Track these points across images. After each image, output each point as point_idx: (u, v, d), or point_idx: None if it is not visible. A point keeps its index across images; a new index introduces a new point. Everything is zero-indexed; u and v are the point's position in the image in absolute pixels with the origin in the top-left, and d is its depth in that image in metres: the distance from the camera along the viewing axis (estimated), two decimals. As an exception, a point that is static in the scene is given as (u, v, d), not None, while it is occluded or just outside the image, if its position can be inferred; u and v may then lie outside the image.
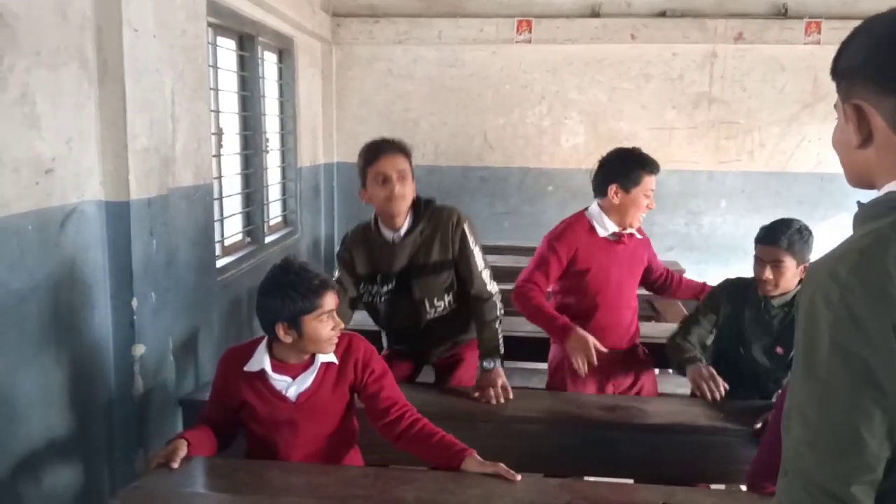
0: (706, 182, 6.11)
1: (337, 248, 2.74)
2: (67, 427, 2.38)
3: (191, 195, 3.19)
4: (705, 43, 5.82)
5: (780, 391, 2.48)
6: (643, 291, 3.14)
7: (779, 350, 2.47)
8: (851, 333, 0.86)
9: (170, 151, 2.86)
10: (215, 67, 3.85)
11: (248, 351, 2.06)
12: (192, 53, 3.19)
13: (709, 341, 2.66)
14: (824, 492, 0.88)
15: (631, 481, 2.37)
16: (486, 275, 2.61)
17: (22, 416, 2.16)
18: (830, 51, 1.04)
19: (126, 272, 2.55)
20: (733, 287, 2.63)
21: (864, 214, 0.96)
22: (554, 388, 2.80)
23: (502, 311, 2.66)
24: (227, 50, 4.18)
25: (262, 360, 2.01)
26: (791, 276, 2.41)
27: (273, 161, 5.05)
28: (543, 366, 2.92)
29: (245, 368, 2.03)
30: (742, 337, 2.54)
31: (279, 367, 2.03)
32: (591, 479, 2.37)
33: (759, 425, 2.30)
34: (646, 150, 2.69)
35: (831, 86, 1.03)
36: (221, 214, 3.98)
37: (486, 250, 2.73)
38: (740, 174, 6.07)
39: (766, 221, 2.51)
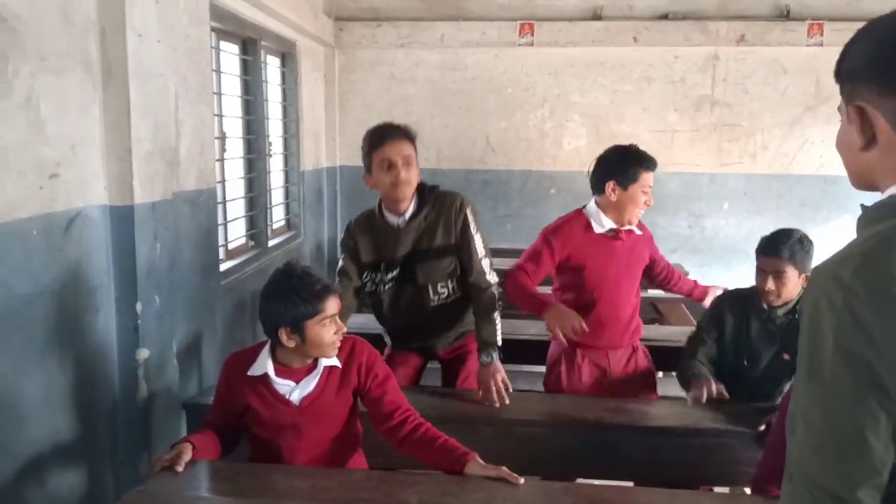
0: (708, 184, 6.11)
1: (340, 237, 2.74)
2: (72, 430, 2.39)
3: (194, 199, 3.19)
4: (707, 45, 5.82)
5: (784, 393, 2.48)
6: (645, 294, 3.14)
7: (785, 356, 2.47)
8: (855, 336, 0.86)
9: (173, 155, 2.86)
10: (218, 71, 3.86)
11: (252, 355, 2.06)
12: (196, 57, 3.20)
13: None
14: (830, 496, 0.88)
15: (631, 484, 2.37)
16: (485, 263, 2.61)
17: (27, 419, 2.17)
18: (833, 53, 1.04)
19: (130, 276, 2.56)
20: (733, 299, 2.62)
21: (868, 217, 0.96)
22: (550, 385, 2.81)
23: (501, 304, 2.66)
24: (230, 54, 4.19)
25: (265, 365, 2.02)
26: (793, 286, 2.42)
27: (276, 165, 5.06)
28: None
29: (248, 373, 2.03)
30: (748, 349, 2.54)
31: (282, 371, 2.03)
32: (594, 481, 2.37)
33: (762, 428, 2.30)
34: (648, 152, 2.68)
35: (834, 88, 1.03)
36: (225, 218, 3.99)
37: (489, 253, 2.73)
38: (742, 176, 6.07)
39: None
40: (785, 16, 5.71)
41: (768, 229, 2.59)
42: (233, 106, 4.26)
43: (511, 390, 2.54)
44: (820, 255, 1.09)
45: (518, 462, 1.98)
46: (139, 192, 2.55)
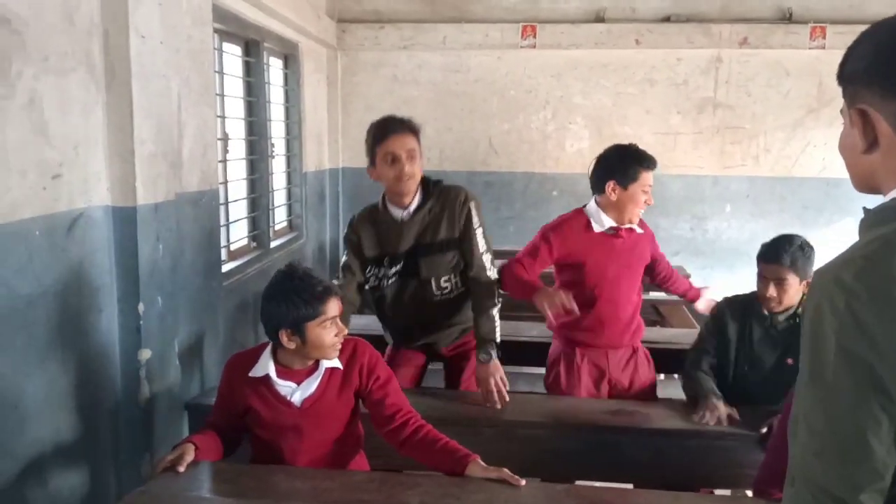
0: (711, 187, 6.11)
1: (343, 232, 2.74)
2: (74, 431, 2.39)
3: (197, 200, 3.20)
4: (710, 48, 5.82)
5: (787, 395, 2.47)
6: (647, 296, 3.14)
7: (789, 361, 2.46)
8: (857, 339, 0.86)
9: (176, 157, 2.87)
10: (221, 73, 3.86)
11: (253, 356, 2.06)
12: (198, 59, 3.21)
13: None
14: (832, 499, 0.88)
15: (630, 486, 2.37)
16: (486, 259, 2.61)
17: (29, 420, 2.17)
18: (835, 55, 1.04)
19: (133, 277, 2.56)
20: (734, 306, 2.61)
21: (871, 220, 0.96)
22: (549, 384, 2.81)
23: (500, 300, 2.66)
24: (233, 56, 4.20)
25: (266, 366, 2.02)
26: (794, 292, 2.42)
27: (278, 166, 5.06)
28: (547, 369, 2.92)
29: (250, 374, 2.03)
30: (751, 355, 2.54)
31: (284, 372, 2.03)
32: (595, 483, 2.37)
33: (764, 430, 2.30)
34: (648, 151, 2.68)
35: (836, 90, 1.03)
36: (227, 219, 3.99)
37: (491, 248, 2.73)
38: (745, 179, 6.06)
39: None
40: (787, 18, 5.71)
41: (771, 232, 2.58)
42: (235, 107, 4.26)
43: (507, 388, 2.54)
44: (822, 258, 1.09)
45: (519, 464, 1.98)
46: (142, 193, 2.55)
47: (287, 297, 1.93)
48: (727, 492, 2.51)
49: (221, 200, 3.75)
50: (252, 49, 4.39)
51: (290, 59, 5.19)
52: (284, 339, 1.95)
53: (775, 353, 2.50)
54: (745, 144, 6.02)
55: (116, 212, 2.52)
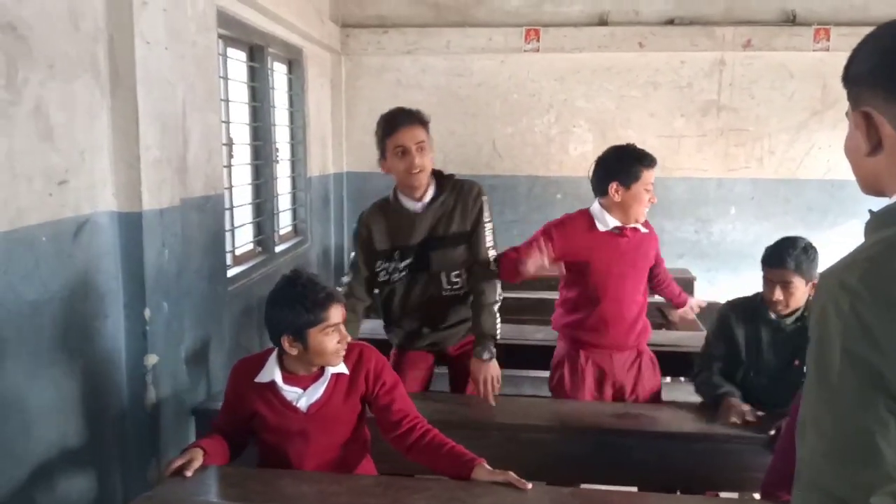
0: (715, 189, 6.10)
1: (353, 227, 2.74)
2: (80, 436, 2.40)
3: (202, 205, 3.21)
4: (713, 50, 5.81)
5: (794, 398, 2.47)
6: (652, 299, 3.14)
7: (796, 363, 2.46)
8: (862, 341, 0.86)
9: (181, 162, 2.88)
10: (226, 78, 3.88)
11: (260, 362, 2.06)
12: (203, 64, 3.22)
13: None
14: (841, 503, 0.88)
15: (635, 489, 2.37)
16: (492, 254, 2.63)
17: (36, 425, 2.18)
18: (839, 57, 1.04)
19: (138, 282, 2.57)
20: (740, 309, 2.60)
21: (875, 222, 0.96)
22: (553, 386, 2.81)
23: (501, 296, 2.66)
24: (238, 61, 4.21)
25: (272, 372, 2.02)
26: (801, 294, 2.41)
27: (283, 171, 5.07)
28: (553, 373, 2.92)
29: (256, 379, 2.03)
30: (759, 358, 2.53)
31: (290, 378, 2.03)
32: (602, 487, 2.36)
33: (772, 432, 2.29)
34: (655, 157, 2.69)
35: (841, 93, 1.03)
36: (232, 224, 4.00)
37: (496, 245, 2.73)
38: (749, 181, 6.05)
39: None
40: (791, 21, 5.71)
41: (775, 234, 2.58)
42: (240, 112, 4.27)
43: (499, 390, 2.56)
44: (827, 260, 1.09)
45: (525, 467, 1.98)
46: (147, 198, 2.56)
47: (289, 304, 1.93)
48: (734, 495, 2.50)
49: (226, 205, 3.76)
50: (256, 54, 4.40)
51: (295, 63, 5.21)
52: (286, 345, 1.95)
53: (783, 356, 2.49)
54: (749, 147, 6.01)
55: (122, 217, 2.53)
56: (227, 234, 3.81)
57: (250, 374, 2.05)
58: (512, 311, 3.62)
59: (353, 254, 2.72)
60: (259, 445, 2.12)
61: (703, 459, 2.39)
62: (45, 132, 2.17)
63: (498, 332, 2.60)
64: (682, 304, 3.30)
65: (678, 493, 2.38)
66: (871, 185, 1.01)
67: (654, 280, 3.06)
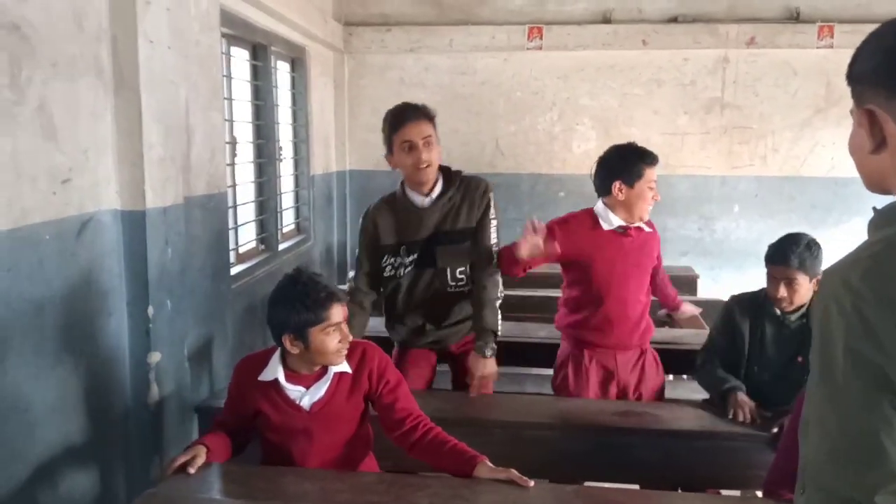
0: (719, 187, 6.09)
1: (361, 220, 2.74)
2: (84, 434, 2.40)
3: (205, 204, 3.21)
4: (717, 48, 5.80)
5: (798, 396, 2.46)
6: (655, 297, 3.13)
7: (800, 360, 2.46)
8: (865, 340, 0.86)
9: (185, 160, 2.88)
10: (229, 77, 3.88)
11: (263, 360, 2.07)
12: (207, 63, 3.22)
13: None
14: (847, 503, 0.87)
15: (637, 487, 2.37)
16: (495, 251, 2.63)
17: (39, 423, 2.19)
18: (843, 55, 1.04)
19: (142, 280, 2.57)
20: (742, 304, 2.60)
21: (879, 220, 0.96)
22: (557, 385, 2.80)
23: (503, 293, 2.67)
24: (241, 60, 4.22)
25: (275, 371, 2.02)
26: (805, 291, 2.41)
27: (286, 169, 5.08)
28: (556, 372, 2.92)
29: (259, 378, 2.03)
30: (762, 354, 2.53)
31: (293, 377, 2.03)
32: (605, 484, 2.36)
33: (775, 430, 2.29)
34: (658, 155, 2.69)
35: (844, 90, 1.03)
36: (235, 222, 4.01)
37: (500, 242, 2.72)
38: (753, 179, 6.04)
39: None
40: (795, 18, 5.69)
41: (779, 232, 2.57)
42: (243, 111, 4.28)
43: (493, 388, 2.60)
44: (831, 258, 1.09)
45: (528, 465, 1.98)
46: (151, 196, 2.56)
47: (290, 303, 1.92)
48: (737, 493, 2.50)
49: (230, 204, 3.77)
50: (259, 53, 4.41)
51: (298, 62, 5.21)
52: (288, 344, 1.95)
53: (786, 352, 2.49)
54: (752, 144, 6.00)
55: (125, 216, 2.54)
56: (231, 233, 3.81)
57: (254, 372, 2.05)
58: (515, 309, 3.62)
59: (357, 250, 2.72)
60: (262, 443, 2.12)
61: (706, 457, 2.39)
62: (48, 131, 2.17)
63: (499, 328, 2.61)
64: (675, 309, 3.29)
65: (679, 490, 2.38)
66: (875, 183, 1.01)
67: (655, 280, 3.05)
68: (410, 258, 2.61)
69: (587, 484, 2.34)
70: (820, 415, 0.92)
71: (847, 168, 1.16)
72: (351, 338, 2.02)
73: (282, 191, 4.85)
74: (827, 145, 5.88)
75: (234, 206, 3.96)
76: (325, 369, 2.03)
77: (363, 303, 2.70)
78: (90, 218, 2.39)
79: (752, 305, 2.57)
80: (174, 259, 2.73)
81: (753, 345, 2.55)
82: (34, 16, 2.10)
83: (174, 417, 2.76)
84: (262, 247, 4.52)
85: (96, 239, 2.43)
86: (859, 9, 5.56)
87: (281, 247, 4.73)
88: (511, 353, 3.22)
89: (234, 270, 3.82)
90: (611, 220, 2.66)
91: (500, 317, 2.62)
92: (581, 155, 6.06)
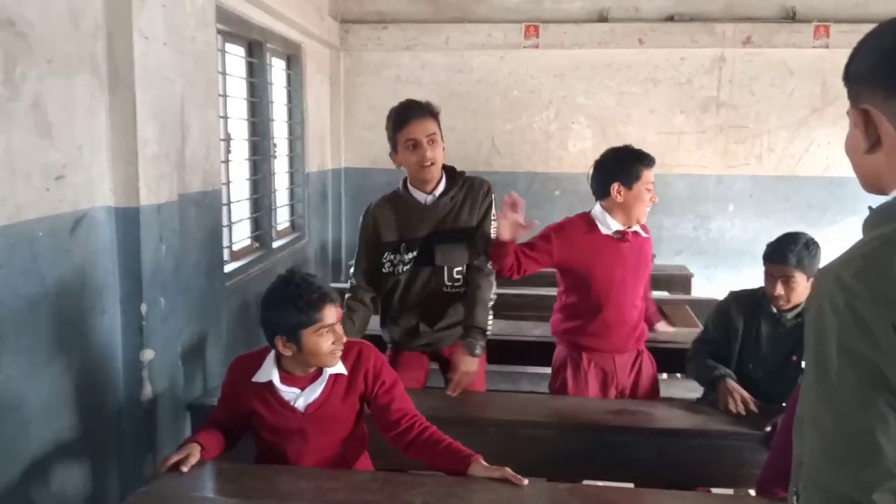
0: (715, 186, 6.10)
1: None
2: (77, 431, 2.40)
3: (200, 201, 3.20)
4: (713, 47, 5.81)
5: (791, 394, 2.47)
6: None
7: (795, 359, 2.47)
8: (859, 338, 0.86)
9: (179, 158, 2.87)
10: (224, 74, 3.87)
11: (257, 360, 2.05)
12: (202, 60, 3.21)
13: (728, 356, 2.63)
14: (848, 503, 0.87)
15: (632, 485, 2.37)
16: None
17: (32, 420, 2.18)
18: (839, 54, 1.04)
19: (135, 277, 2.57)
20: (740, 300, 2.61)
21: (873, 219, 0.97)
22: (555, 388, 2.80)
23: (496, 295, 2.66)
24: (236, 56, 4.21)
25: (270, 372, 2.00)
26: (802, 290, 2.42)
27: (281, 167, 5.07)
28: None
29: (253, 379, 2.02)
30: (757, 352, 2.53)
31: (287, 378, 2.02)
32: (599, 483, 2.37)
33: (768, 429, 2.30)
34: (654, 154, 2.69)
35: (840, 90, 1.03)
36: (230, 220, 4.00)
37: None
38: (749, 178, 6.05)
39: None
40: (791, 17, 5.70)
41: (774, 231, 2.58)
42: (238, 108, 4.27)
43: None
44: (826, 258, 1.09)
45: (523, 464, 1.98)
46: (145, 193, 2.56)
47: (282, 304, 1.90)
48: (730, 491, 2.50)
49: (224, 201, 3.76)
50: (255, 50, 4.40)
51: (293, 59, 5.20)
52: (280, 346, 1.93)
53: (782, 351, 2.50)
54: (748, 144, 6.01)
55: (119, 213, 2.53)
56: (225, 230, 3.80)
57: (248, 373, 2.03)
58: (510, 308, 3.63)
59: (357, 248, 2.71)
60: (257, 442, 2.11)
61: (700, 456, 2.39)
62: (43, 128, 2.16)
63: (489, 328, 2.60)
64: (649, 324, 3.23)
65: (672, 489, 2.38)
66: (871, 183, 1.01)
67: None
68: (410, 256, 2.61)
69: (582, 482, 2.34)
70: (815, 414, 0.92)
71: (842, 168, 1.16)
72: (345, 339, 2.00)
73: (276, 188, 4.84)
74: (822, 145, 5.90)
75: (229, 204, 3.95)
76: (320, 370, 2.02)
77: (364, 299, 2.69)
78: (84, 215, 2.38)
79: (749, 303, 2.58)
80: (168, 256, 2.72)
81: (748, 342, 2.56)
82: (29, 12, 2.09)
83: (167, 415, 2.75)
84: (257, 244, 4.51)
85: (90, 236, 2.42)
86: (856, 9, 5.57)
87: (275, 244, 4.72)
88: (506, 352, 3.23)
89: (228, 268, 3.81)
90: (609, 225, 2.65)
91: (491, 317, 2.62)
92: (577, 154, 6.07)
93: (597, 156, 2.75)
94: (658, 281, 4.34)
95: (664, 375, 3.26)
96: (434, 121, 2.55)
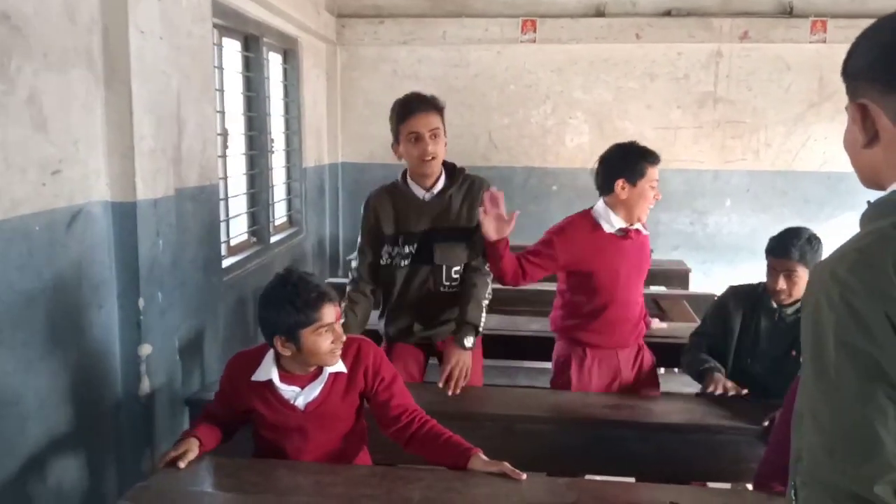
0: (711, 181, 6.10)
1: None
2: (75, 426, 2.39)
3: (197, 196, 3.20)
4: (711, 42, 5.81)
5: (789, 390, 2.48)
6: (647, 290, 3.13)
7: (794, 354, 2.47)
8: (855, 332, 0.86)
9: (176, 152, 2.87)
10: (220, 68, 3.86)
11: (257, 358, 2.03)
12: (198, 55, 3.20)
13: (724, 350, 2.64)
14: (847, 495, 0.87)
15: (633, 480, 2.37)
16: None
17: (30, 415, 2.18)
18: (836, 49, 1.04)
19: (132, 272, 2.56)
20: (739, 295, 2.61)
21: (871, 213, 0.97)
22: (558, 384, 2.80)
23: (491, 295, 2.66)
24: (233, 51, 4.19)
25: (269, 371, 1.99)
26: (804, 284, 2.41)
27: (278, 161, 5.06)
28: (549, 365, 2.92)
29: (252, 378, 2.01)
30: (756, 346, 2.54)
31: (287, 377, 2.00)
32: (598, 477, 2.37)
33: (766, 423, 2.30)
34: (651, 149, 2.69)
35: (837, 85, 1.03)
36: (227, 215, 3.99)
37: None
38: (746, 173, 6.06)
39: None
40: (788, 13, 5.70)
41: (771, 226, 2.58)
42: (235, 102, 4.26)
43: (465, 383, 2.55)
44: (825, 252, 1.09)
45: (522, 458, 1.98)
46: (141, 188, 2.55)
47: (280, 304, 1.88)
48: (727, 485, 2.51)
49: (221, 196, 3.75)
50: (252, 44, 4.38)
51: (290, 54, 5.19)
52: (279, 345, 1.92)
53: (781, 346, 2.50)
54: (745, 139, 6.01)
55: (116, 207, 2.52)
56: (222, 225, 3.80)
57: (247, 371, 2.02)
58: (506, 303, 3.63)
59: (359, 238, 2.70)
60: (256, 439, 2.11)
61: (698, 450, 2.39)
62: (38, 122, 2.15)
63: (481, 325, 2.59)
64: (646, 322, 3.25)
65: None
66: (869, 178, 1.02)
67: None
68: (408, 249, 2.60)
69: (580, 477, 2.34)
70: (813, 408, 0.92)
71: (840, 163, 1.16)
72: (344, 338, 1.98)
73: (273, 183, 4.83)
74: (819, 140, 5.90)
75: (226, 199, 3.95)
76: (320, 369, 2.01)
77: (366, 291, 2.68)
78: (80, 209, 2.37)
79: (748, 297, 2.58)
80: (165, 251, 2.72)
81: (747, 337, 2.56)
82: (25, 6, 2.08)
83: (165, 410, 2.75)
84: (254, 239, 4.50)
85: (87, 230, 2.41)
86: (853, 4, 5.56)
87: (273, 239, 4.71)
88: (502, 347, 3.22)
89: (225, 263, 3.81)
90: (612, 222, 2.64)
91: (484, 314, 2.60)
92: (574, 148, 6.07)
93: (594, 151, 2.75)
94: (655, 276, 4.35)
95: (661, 370, 3.26)
96: (438, 115, 2.54)
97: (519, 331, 3.38)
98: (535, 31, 5.86)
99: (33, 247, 2.15)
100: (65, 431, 2.35)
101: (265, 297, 1.94)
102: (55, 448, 2.30)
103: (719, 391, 2.40)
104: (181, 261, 2.93)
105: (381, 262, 2.65)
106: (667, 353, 3.00)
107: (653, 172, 2.61)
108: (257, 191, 4.49)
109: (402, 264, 2.61)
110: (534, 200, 6.10)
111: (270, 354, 2.01)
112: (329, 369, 2.00)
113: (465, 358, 2.54)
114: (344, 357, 2.02)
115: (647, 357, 2.82)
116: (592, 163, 2.74)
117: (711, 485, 2.46)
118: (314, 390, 2.00)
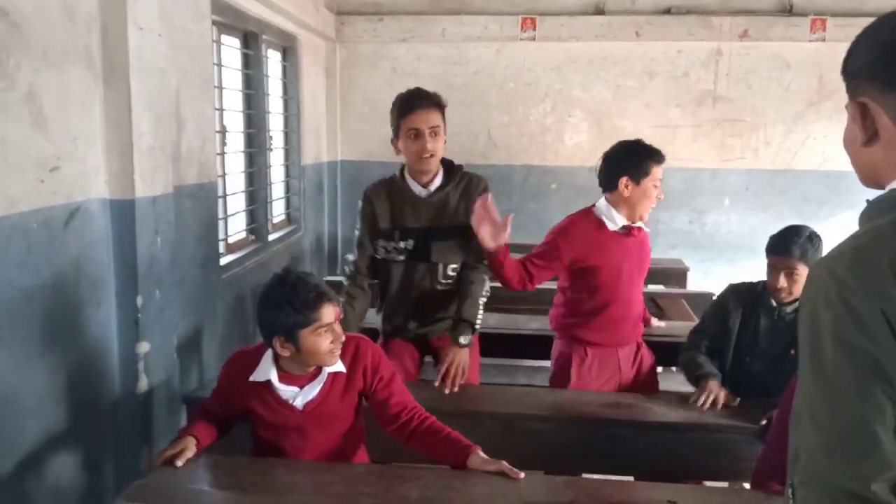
0: (710, 180, 6.10)
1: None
2: (73, 424, 2.39)
3: (195, 193, 3.20)
4: (710, 40, 5.80)
5: (787, 388, 2.48)
6: (645, 289, 3.12)
7: (793, 353, 2.47)
8: (853, 330, 0.86)
9: (174, 150, 2.86)
10: (219, 66, 3.85)
11: (255, 358, 2.02)
12: (197, 52, 3.20)
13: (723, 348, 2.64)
14: (845, 494, 0.87)
15: (631, 478, 2.38)
16: None
17: (28, 413, 2.17)
18: (836, 48, 1.04)
19: (131, 270, 2.56)
20: (740, 293, 2.61)
21: (870, 211, 0.97)
22: (557, 383, 2.80)
23: (488, 293, 2.65)
24: (232, 48, 4.19)
25: (268, 372, 1.98)
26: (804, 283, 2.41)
27: (277, 159, 5.05)
28: (547, 363, 2.92)
29: (251, 378, 2.00)
30: (755, 345, 2.54)
31: (286, 377, 2.00)
32: (596, 476, 2.37)
33: (763, 422, 2.30)
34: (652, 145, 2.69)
35: (837, 83, 1.03)
36: (225, 212, 3.99)
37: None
38: (745, 172, 6.06)
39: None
40: (788, 11, 5.69)
41: (771, 225, 2.58)
42: (234, 100, 4.25)
43: (463, 380, 2.55)
44: (824, 251, 1.09)
45: (520, 457, 1.98)
46: (140, 186, 2.55)
47: (279, 304, 1.87)
48: (725, 484, 2.51)
49: (220, 193, 3.75)
50: (251, 41, 4.38)
51: (289, 51, 5.18)
52: (278, 346, 1.91)
53: (780, 344, 2.50)
54: (744, 137, 6.01)
55: (114, 205, 2.52)
56: (221, 222, 3.79)
57: (245, 371, 2.01)
58: (505, 301, 3.62)
59: (357, 231, 2.69)
60: (254, 439, 2.10)
61: (696, 449, 2.39)
62: (37, 119, 2.15)
63: (478, 323, 2.59)
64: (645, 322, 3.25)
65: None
66: (868, 177, 1.02)
67: None
68: (404, 245, 2.60)
69: (579, 475, 2.34)
70: (811, 407, 0.92)
71: (839, 161, 1.16)
72: (344, 337, 1.97)
73: (272, 181, 4.83)
74: (819, 138, 5.90)
75: (225, 196, 3.94)
76: (319, 369, 2.00)
77: (363, 285, 2.68)
78: (79, 207, 2.37)
79: (748, 295, 2.58)
80: (163, 249, 2.71)
81: (746, 335, 2.56)
82: (24, 3, 2.08)
83: (163, 408, 2.75)
84: (253, 237, 4.50)
85: (85, 228, 2.41)
86: (852, 2, 5.56)
87: (271, 237, 4.71)
88: (501, 345, 3.22)
89: (223, 260, 3.80)
90: (615, 220, 2.63)
91: (481, 312, 2.60)
92: (573, 147, 6.06)
93: (593, 149, 2.75)
94: (654, 274, 4.33)
95: (660, 369, 3.26)
96: (439, 113, 2.54)
97: (518, 329, 3.38)
98: (534, 29, 5.85)
99: (32, 244, 2.15)
100: (63, 429, 2.35)
101: (263, 297, 1.93)
102: (53, 446, 2.30)
103: (707, 406, 2.41)
104: (179, 258, 2.92)
105: (377, 255, 2.64)
106: (665, 352, 3.00)
107: (657, 171, 2.61)
108: (256, 188, 4.49)
109: (398, 259, 2.61)
110: (533, 198, 6.10)
111: (269, 354, 2.00)
112: (328, 369, 2.00)
113: (462, 355, 2.54)
114: (342, 356, 2.01)
115: (647, 355, 2.83)
116: (591, 161, 2.73)
117: (709, 483, 2.47)
118: (313, 390, 2.00)
